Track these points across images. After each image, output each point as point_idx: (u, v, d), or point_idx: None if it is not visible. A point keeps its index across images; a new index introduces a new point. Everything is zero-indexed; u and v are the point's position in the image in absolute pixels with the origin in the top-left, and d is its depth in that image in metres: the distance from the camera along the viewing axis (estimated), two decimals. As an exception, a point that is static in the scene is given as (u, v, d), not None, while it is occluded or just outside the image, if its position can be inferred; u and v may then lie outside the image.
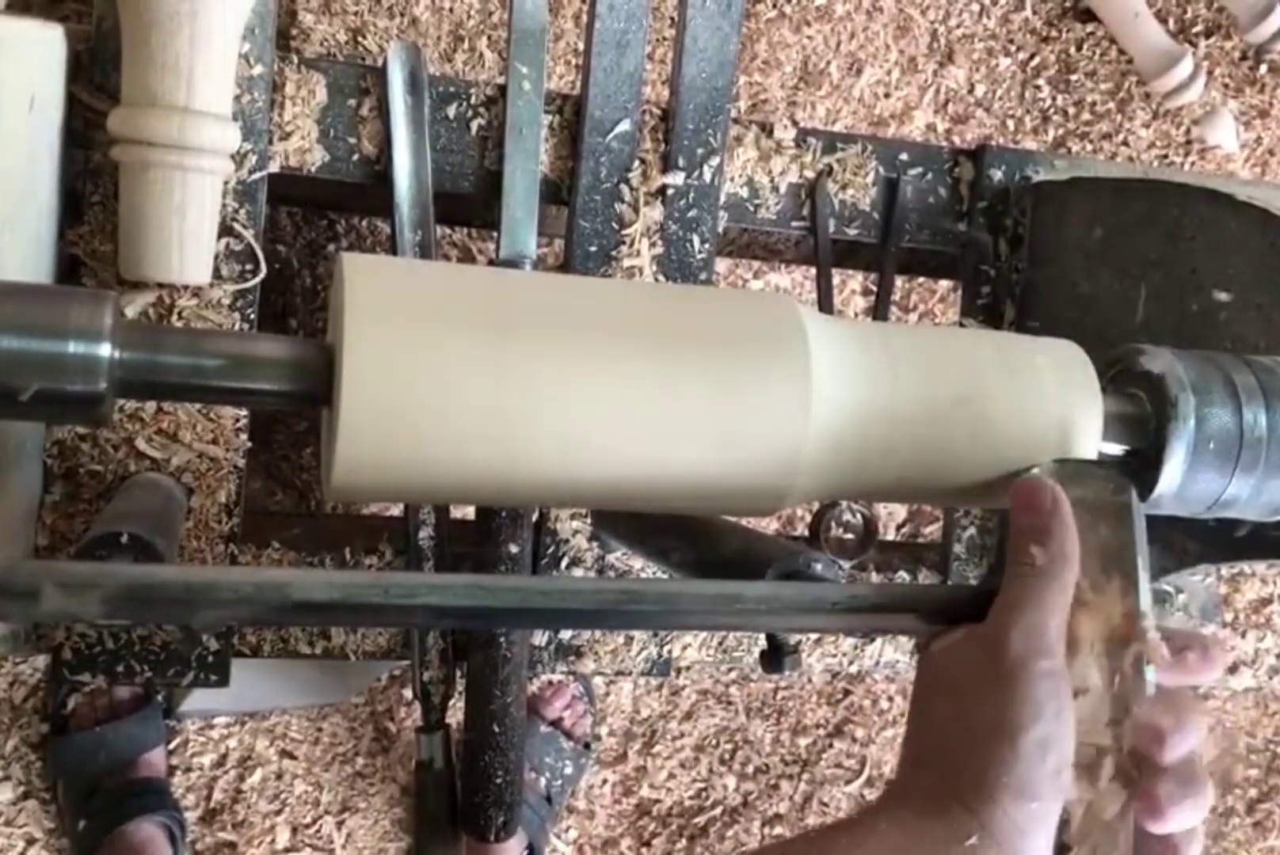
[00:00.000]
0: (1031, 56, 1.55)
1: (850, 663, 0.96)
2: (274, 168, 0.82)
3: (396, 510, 1.17)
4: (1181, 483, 0.55)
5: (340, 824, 1.36)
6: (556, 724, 1.35)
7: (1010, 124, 1.55)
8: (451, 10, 1.35)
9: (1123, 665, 0.47)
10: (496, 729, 0.87)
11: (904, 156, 0.96)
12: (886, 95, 1.51)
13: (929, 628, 0.49)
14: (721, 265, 1.42)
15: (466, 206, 0.96)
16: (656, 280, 0.88)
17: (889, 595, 0.50)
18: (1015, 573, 0.47)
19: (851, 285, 1.49)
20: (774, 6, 1.46)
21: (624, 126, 0.86)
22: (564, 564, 0.88)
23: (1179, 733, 0.46)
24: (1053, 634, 0.45)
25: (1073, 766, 0.45)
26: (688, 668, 0.94)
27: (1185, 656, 0.48)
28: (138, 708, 1.22)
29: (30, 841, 1.25)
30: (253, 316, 0.80)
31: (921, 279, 1.49)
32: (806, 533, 0.99)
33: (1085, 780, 0.46)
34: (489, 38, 1.36)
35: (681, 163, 0.88)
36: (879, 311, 1.00)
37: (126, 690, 1.22)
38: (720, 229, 0.91)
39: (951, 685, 0.46)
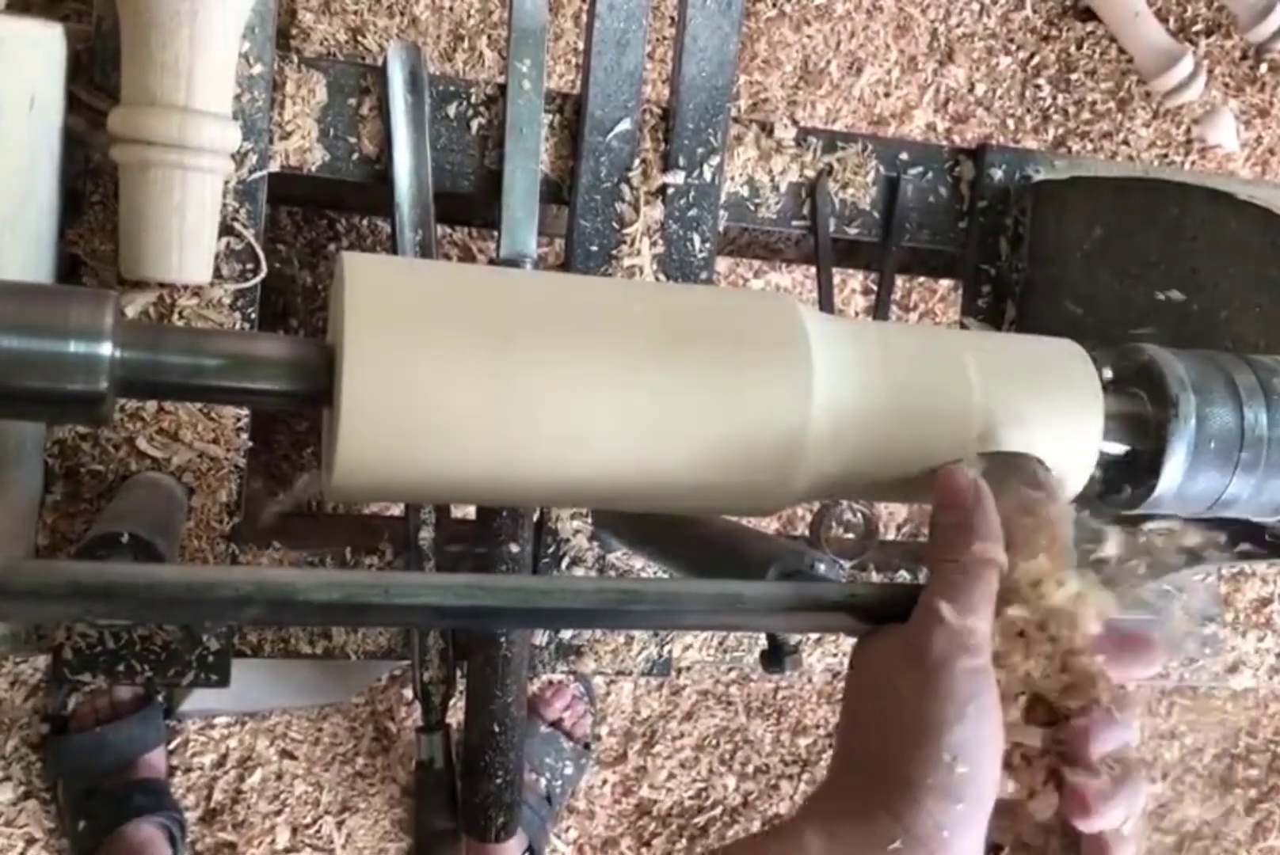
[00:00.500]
0: (1032, 55, 1.55)
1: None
2: (274, 167, 0.82)
3: (396, 510, 1.17)
4: (1182, 482, 0.55)
5: (340, 824, 1.36)
6: (557, 724, 1.35)
7: (1010, 123, 1.55)
8: (451, 10, 1.35)
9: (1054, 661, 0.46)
10: (496, 729, 0.87)
11: (904, 156, 0.96)
12: (887, 94, 1.51)
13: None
14: (722, 264, 1.42)
15: (466, 206, 0.96)
16: (657, 279, 0.88)
17: (889, 594, 0.50)
18: (938, 570, 0.46)
19: (851, 285, 1.49)
20: (774, 6, 1.46)
21: (624, 126, 0.86)
22: (564, 564, 0.88)
23: (1106, 727, 0.45)
24: (977, 631, 0.44)
25: (1003, 767, 0.43)
26: (688, 668, 0.94)
27: (1125, 649, 0.47)
28: (138, 708, 1.22)
29: (30, 841, 1.25)
30: (253, 316, 0.80)
31: (921, 279, 1.49)
32: (806, 533, 0.99)
33: (1015, 780, 0.45)
34: (489, 37, 1.36)
35: (682, 162, 0.88)
36: (879, 311, 1.00)
37: (127, 690, 1.22)
38: (721, 228, 0.91)
39: (876, 686, 0.45)
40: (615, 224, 0.88)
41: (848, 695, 0.47)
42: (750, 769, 1.50)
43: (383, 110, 0.84)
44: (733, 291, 0.73)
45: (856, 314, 1.49)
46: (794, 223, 0.95)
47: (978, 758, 0.42)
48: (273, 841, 1.33)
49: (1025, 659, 0.45)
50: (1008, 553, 0.46)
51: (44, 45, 0.71)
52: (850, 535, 0.95)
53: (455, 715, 0.95)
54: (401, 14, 1.33)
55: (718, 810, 1.48)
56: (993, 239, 0.97)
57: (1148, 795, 0.45)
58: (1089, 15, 1.56)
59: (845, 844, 0.42)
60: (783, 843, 0.43)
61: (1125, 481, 0.58)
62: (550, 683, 1.38)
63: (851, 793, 0.44)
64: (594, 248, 0.87)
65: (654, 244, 0.88)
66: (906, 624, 0.45)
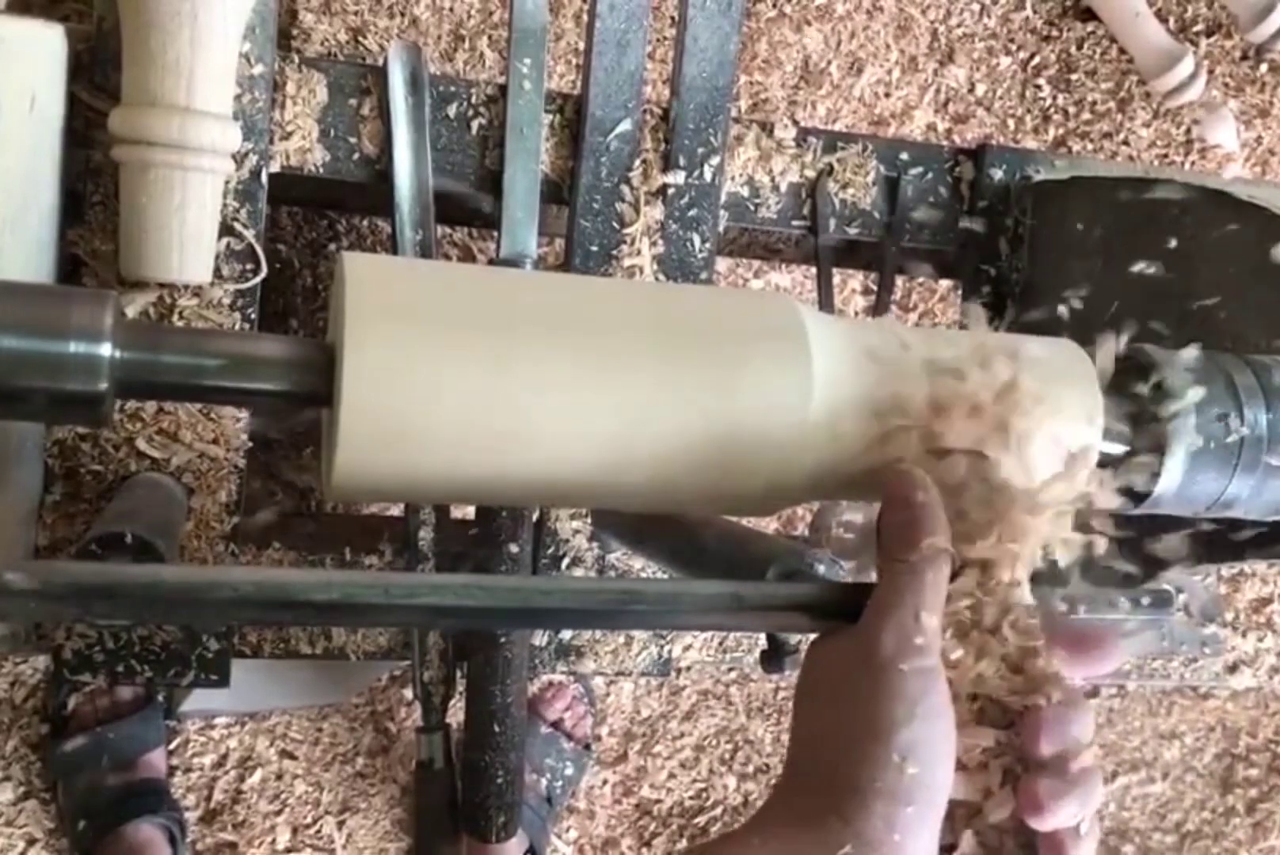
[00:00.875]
0: (1032, 56, 1.55)
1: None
2: (274, 167, 0.82)
3: (396, 510, 1.17)
4: (1182, 482, 0.55)
5: (340, 824, 1.36)
6: (557, 725, 1.35)
7: (1011, 123, 1.55)
8: (451, 10, 1.35)
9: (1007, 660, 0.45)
10: (496, 729, 0.87)
11: (904, 156, 0.96)
12: (887, 94, 1.51)
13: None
14: (722, 264, 1.42)
15: (466, 206, 0.96)
16: (657, 279, 0.88)
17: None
18: (887, 569, 0.45)
19: (851, 285, 1.49)
20: (774, 6, 1.46)
21: (624, 126, 0.86)
22: (564, 564, 0.88)
23: (1058, 723, 0.44)
24: (926, 632, 0.43)
25: (956, 768, 0.43)
26: (688, 668, 0.94)
27: (1079, 648, 0.46)
28: (138, 708, 1.22)
29: (30, 842, 1.25)
30: (253, 316, 0.80)
31: (921, 279, 1.49)
32: (806, 533, 0.99)
33: (970, 782, 0.45)
34: (489, 37, 1.36)
35: (682, 162, 0.88)
36: (879, 311, 1.00)
37: (127, 690, 1.22)
38: (721, 228, 0.91)
39: (826, 689, 0.45)
40: (615, 224, 0.88)
41: (797, 699, 0.47)
42: (750, 769, 1.50)
43: (383, 110, 0.84)
44: (732, 291, 0.73)
45: (856, 314, 1.49)
46: (794, 223, 0.95)
47: (928, 759, 0.42)
48: (273, 841, 1.33)
49: (977, 659, 0.45)
50: (961, 548, 0.46)
51: (44, 45, 0.71)
52: (850, 535, 0.95)
53: (455, 715, 0.95)
54: (402, 14, 1.33)
55: (718, 810, 1.48)
56: (993, 239, 0.97)
57: (1103, 792, 0.45)
58: (1089, 15, 1.56)
59: (796, 850, 0.42)
60: (733, 850, 0.43)
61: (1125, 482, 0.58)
62: (550, 683, 1.38)
63: (802, 797, 0.43)
64: (594, 248, 0.87)
65: (654, 244, 0.88)
66: (856, 625, 0.45)
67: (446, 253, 1.34)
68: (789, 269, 1.48)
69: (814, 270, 0.97)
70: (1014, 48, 1.55)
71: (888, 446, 0.51)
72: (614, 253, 0.88)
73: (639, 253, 0.88)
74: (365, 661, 0.90)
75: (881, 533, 0.46)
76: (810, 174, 0.94)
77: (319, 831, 1.35)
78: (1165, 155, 1.58)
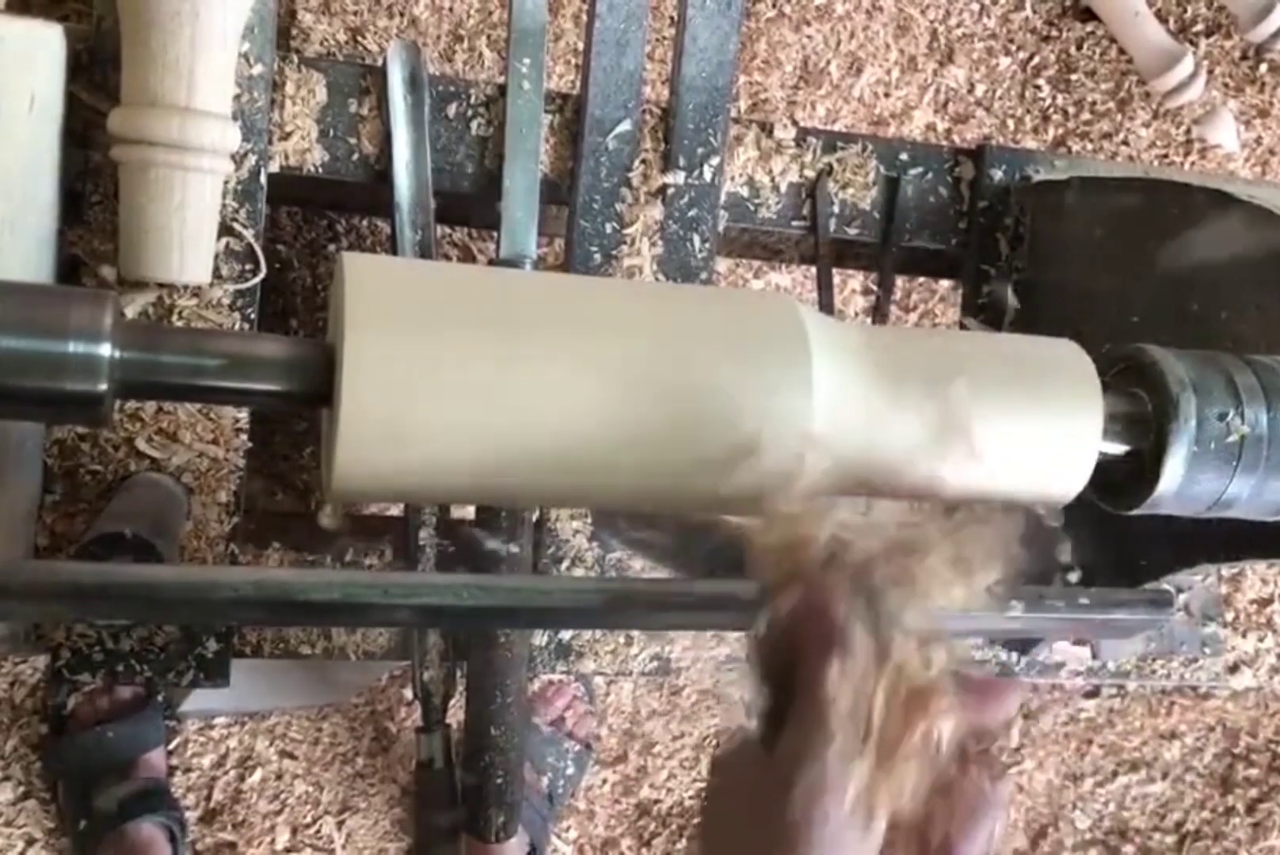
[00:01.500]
0: (1031, 56, 1.55)
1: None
2: (274, 167, 0.82)
3: (396, 510, 1.17)
4: (1182, 483, 0.55)
5: (340, 824, 1.36)
6: (558, 724, 1.35)
7: (1010, 123, 1.55)
8: (451, 10, 1.35)
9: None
10: (496, 729, 0.87)
11: (904, 156, 0.96)
12: (886, 95, 1.51)
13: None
14: (722, 265, 1.42)
15: (467, 206, 0.96)
16: (657, 280, 0.88)
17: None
18: (801, 699, 0.41)
19: (851, 285, 1.49)
20: (774, 6, 1.46)
21: (624, 126, 0.86)
22: (564, 564, 0.88)
23: (976, 833, 0.42)
24: (838, 764, 0.40)
25: None
26: (688, 668, 0.94)
27: (978, 699, 0.44)
28: (138, 708, 1.22)
29: (30, 842, 1.24)
30: (253, 316, 0.80)
31: (921, 279, 1.49)
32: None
33: None
34: (489, 37, 1.36)
35: (682, 162, 0.88)
36: (879, 311, 1.00)
37: (127, 690, 1.22)
38: (720, 228, 0.91)
39: (737, 803, 0.43)
40: (615, 224, 0.88)
41: (708, 793, 0.45)
42: (750, 769, 1.50)
43: (382, 110, 0.84)
44: (732, 292, 0.73)
45: (856, 314, 1.49)
46: (794, 223, 0.95)
47: None
48: (273, 841, 1.33)
49: (893, 784, 0.42)
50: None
51: (44, 45, 0.71)
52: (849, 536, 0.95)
53: (455, 715, 0.95)
54: (401, 14, 1.33)
55: (718, 810, 1.48)
56: (992, 239, 0.97)
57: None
58: (1089, 15, 1.56)
59: None
60: None
61: (1125, 482, 0.58)
62: (551, 683, 1.38)
63: None
64: (594, 248, 0.87)
65: (654, 244, 0.88)
66: (774, 754, 0.42)
67: (446, 253, 1.34)
68: (789, 269, 1.48)
69: (814, 270, 0.97)
70: (1014, 48, 1.55)
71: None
72: (614, 253, 0.88)
73: (639, 253, 0.88)
74: (365, 661, 0.90)
75: (802, 652, 0.42)
76: (810, 174, 0.94)
77: (319, 831, 1.35)
78: (1165, 155, 1.58)
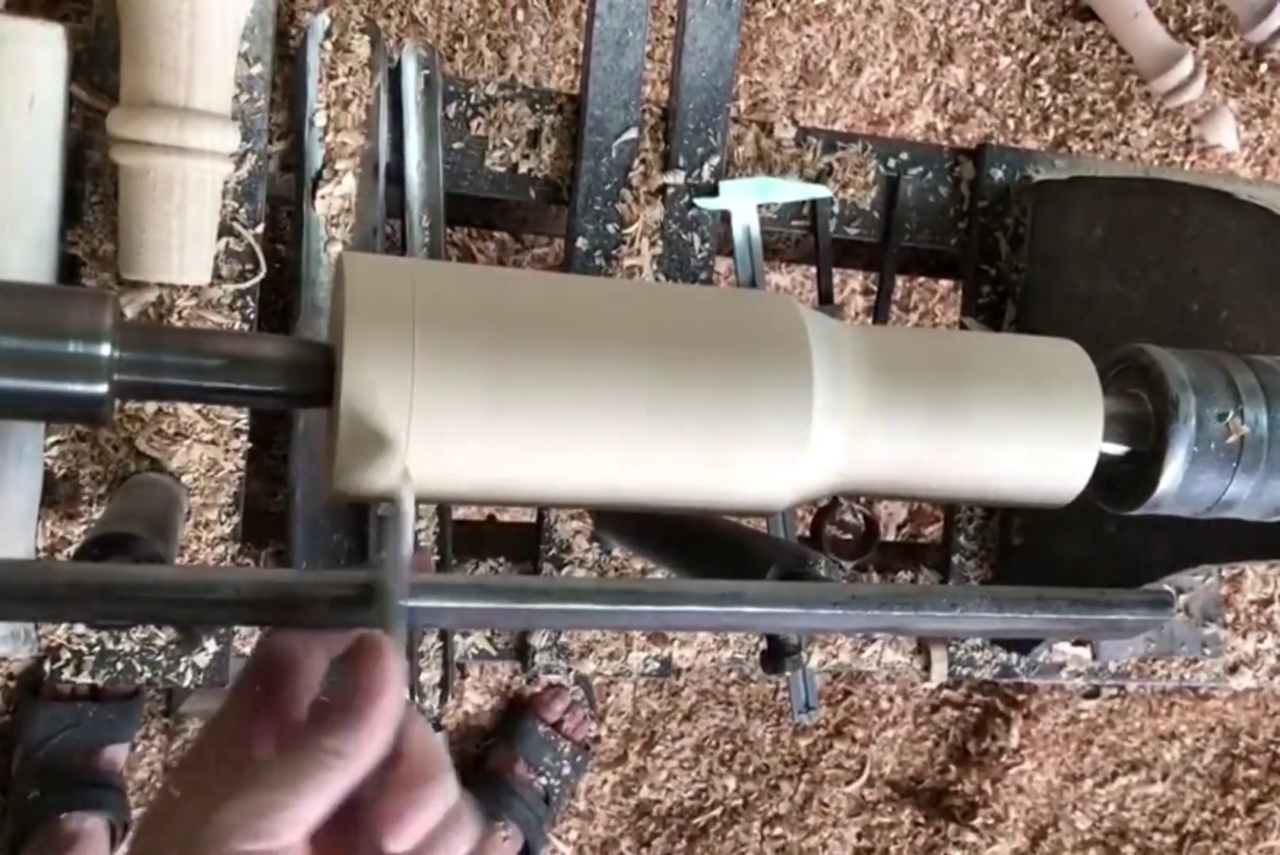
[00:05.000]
0: (1031, 55, 1.55)
1: (850, 663, 0.96)
2: (273, 167, 0.82)
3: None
4: (1182, 483, 0.55)
5: (340, 824, 1.35)
6: (556, 726, 1.35)
7: (1010, 123, 1.55)
8: (451, 9, 1.35)
9: None
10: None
11: (904, 156, 0.96)
12: (886, 94, 1.51)
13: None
14: (722, 265, 1.42)
15: (467, 206, 0.96)
16: (656, 280, 0.88)
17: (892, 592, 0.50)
18: (290, 740, 0.39)
19: (851, 285, 1.49)
20: (774, 5, 1.46)
21: (630, 134, 0.86)
22: (564, 564, 0.88)
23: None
24: (280, 822, 0.37)
25: None
26: (688, 668, 0.94)
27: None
28: (124, 697, 1.21)
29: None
30: (253, 316, 0.80)
31: (921, 279, 1.49)
32: (807, 533, 0.99)
33: None
34: (489, 37, 1.36)
35: (681, 162, 0.88)
36: (879, 311, 1.00)
37: None
38: (720, 228, 0.91)
39: (158, 829, 0.39)
40: (615, 224, 0.87)
41: (141, 819, 0.42)
42: (750, 769, 1.50)
43: (394, 111, 0.84)
44: (733, 292, 0.73)
45: (856, 314, 1.49)
46: (794, 223, 0.95)
47: None
48: (272, 842, 1.32)
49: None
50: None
51: (44, 45, 0.71)
52: (849, 536, 0.95)
53: (455, 715, 0.95)
54: (401, 14, 1.33)
55: (718, 811, 1.48)
56: (993, 239, 0.97)
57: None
58: (1089, 15, 1.56)
59: None
60: None
61: (1125, 482, 0.58)
62: (550, 684, 1.38)
63: None
64: (594, 248, 0.87)
65: (654, 244, 0.88)
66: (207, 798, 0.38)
67: (446, 253, 1.34)
68: (789, 269, 1.48)
69: (814, 270, 0.97)
70: (1014, 47, 1.55)
71: None
72: (614, 253, 0.87)
73: (639, 253, 0.88)
74: (365, 662, 0.90)
75: (323, 690, 0.40)
76: (810, 174, 0.94)
77: (319, 832, 1.34)
78: (1165, 155, 1.58)
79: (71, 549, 0.77)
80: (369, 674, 0.39)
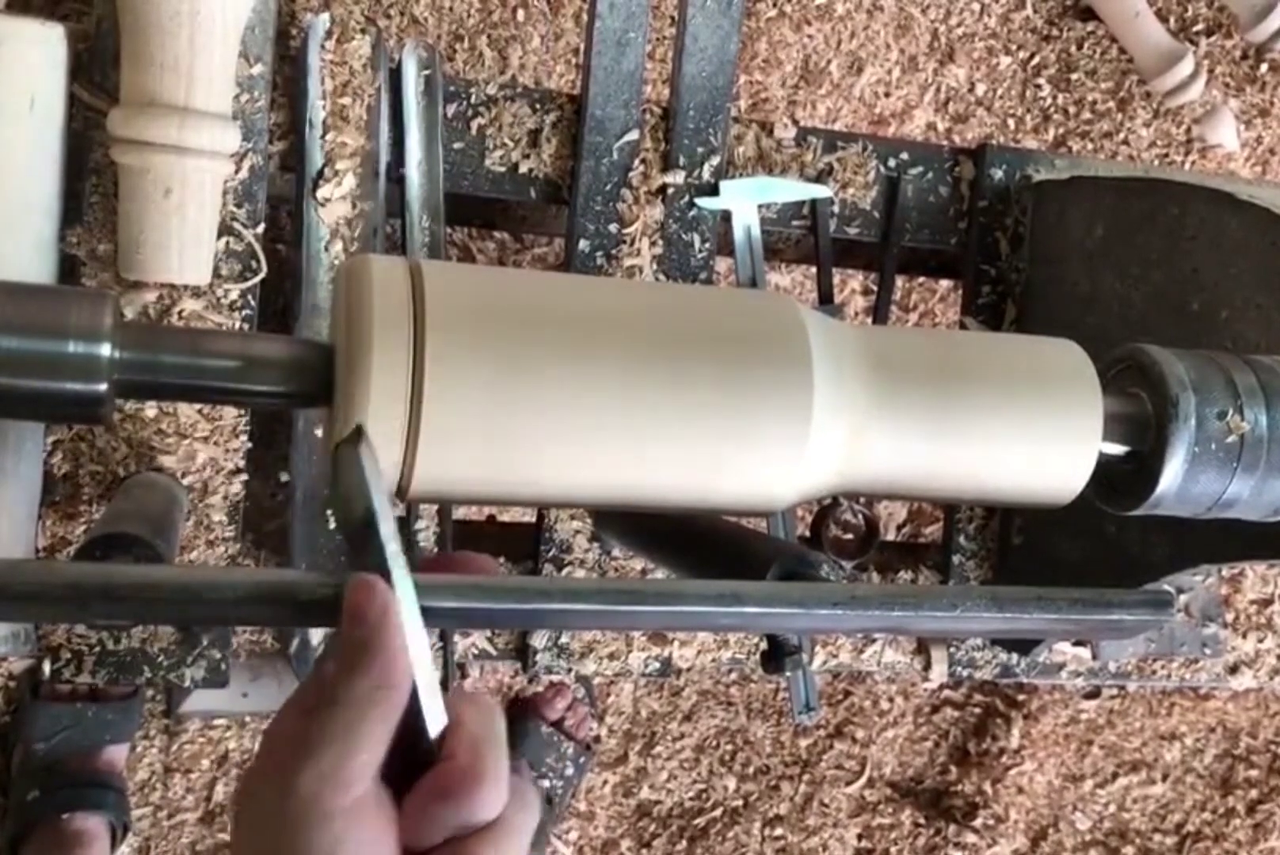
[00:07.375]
0: (1032, 55, 1.55)
1: (851, 663, 0.96)
2: (273, 167, 0.82)
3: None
4: (1182, 483, 0.55)
5: (340, 824, 1.35)
6: (558, 725, 1.35)
7: (1011, 123, 1.55)
8: (451, 9, 1.35)
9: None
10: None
11: (904, 156, 0.96)
12: (887, 94, 1.51)
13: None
14: (722, 265, 1.42)
15: (467, 205, 0.96)
16: (657, 280, 0.88)
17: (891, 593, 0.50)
18: (328, 698, 0.40)
19: (851, 285, 1.49)
20: (774, 5, 1.46)
21: (630, 134, 0.86)
22: (564, 564, 0.88)
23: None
24: (353, 769, 0.39)
25: None
26: (688, 668, 0.94)
27: None
28: (123, 698, 1.21)
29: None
30: (253, 316, 0.80)
31: (921, 279, 1.49)
32: (807, 533, 0.99)
33: None
34: (489, 37, 1.36)
35: (682, 162, 0.88)
36: (879, 311, 1.00)
37: None
38: (720, 228, 0.91)
39: (253, 824, 0.41)
40: (615, 224, 0.87)
41: (232, 829, 0.44)
42: (751, 770, 1.50)
43: (395, 111, 0.84)
44: (733, 292, 0.73)
45: (856, 314, 1.49)
46: (794, 223, 0.95)
47: None
48: (273, 842, 1.32)
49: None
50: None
51: (44, 45, 0.71)
52: (850, 536, 0.95)
53: (455, 715, 0.95)
54: (402, 14, 1.33)
55: (718, 811, 1.48)
56: (992, 239, 0.97)
57: None
58: (1089, 15, 1.56)
59: None
60: None
61: (1125, 482, 0.58)
62: (551, 683, 1.38)
63: None
64: (594, 248, 0.87)
65: (654, 244, 0.88)
66: (274, 761, 0.41)
67: (446, 253, 1.34)
68: (789, 269, 1.48)
69: (814, 270, 0.97)
70: (1014, 47, 1.55)
71: None
72: (614, 252, 0.87)
73: (639, 253, 0.88)
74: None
75: (337, 645, 0.42)
76: (810, 174, 0.94)
77: (319, 832, 1.34)
78: (1165, 155, 1.58)
79: (71, 549, 0.77)
80: (360, 608, 0.42)
